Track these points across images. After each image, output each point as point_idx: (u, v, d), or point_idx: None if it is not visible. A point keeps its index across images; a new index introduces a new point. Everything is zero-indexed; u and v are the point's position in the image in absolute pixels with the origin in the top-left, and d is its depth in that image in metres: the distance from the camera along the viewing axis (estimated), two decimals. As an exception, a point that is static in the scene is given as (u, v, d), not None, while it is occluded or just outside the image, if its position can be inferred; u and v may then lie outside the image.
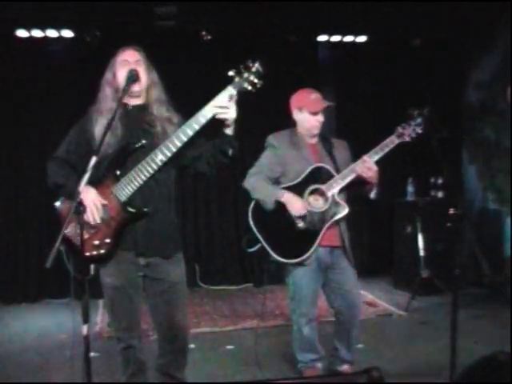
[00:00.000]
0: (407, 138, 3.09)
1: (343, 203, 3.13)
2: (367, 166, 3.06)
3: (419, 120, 3.07)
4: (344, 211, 3.12)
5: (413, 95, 5.71)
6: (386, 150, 3.10)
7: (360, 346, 3.88)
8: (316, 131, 3.24)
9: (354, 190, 3.22)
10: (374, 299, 5.26)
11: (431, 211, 5.33)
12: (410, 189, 5.59)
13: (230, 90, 2.45)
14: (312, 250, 3.09)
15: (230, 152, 2.57)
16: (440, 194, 5.61)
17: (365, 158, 3.09)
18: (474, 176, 6.04)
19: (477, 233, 5.49)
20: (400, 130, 3.09)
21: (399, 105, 5.80)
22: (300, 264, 3.12)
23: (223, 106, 2.45)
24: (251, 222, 3.13)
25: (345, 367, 3.32)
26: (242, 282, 5.96)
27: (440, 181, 5.58)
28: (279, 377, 3.40)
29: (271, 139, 3.27)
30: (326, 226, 3.11)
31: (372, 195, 3.23)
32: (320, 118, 3.21)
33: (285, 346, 3.82)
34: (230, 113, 2.47)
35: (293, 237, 3.11)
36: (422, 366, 3.56)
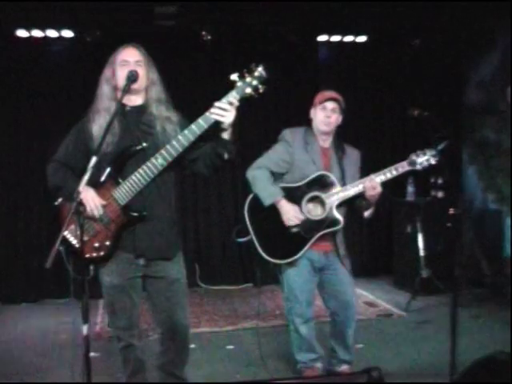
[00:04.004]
0: (419, 167, 3.05)
1: (339, 217, 3.11)
2: (373, 185, 3.04)
3: (434, 152, 3.03)
4: (339, 225, 3.11)
5: (413, 95, 5.72)
6: (395, 173, 3.08)
7: (360, 345, 3.89)
8: (324, 127, 3.19)
9: (351, 205, 3.20)
10: (374, 299, 5.26)
11: (431, 211, 5.32)
12: (410, 189, 5.59)
13: (233, 95, 2.44)
14: (299, 255, 3.09)
15: (226, 156, 2.55)
16: (440, 194, 5.60)
17: (372, 176, 3.07)
18: (473, 176, 6.04)
19: (477, 233, 5.49)
20: (413, 157, 3.06)
21: (399, 105, 5.83)
22: (291, 264, 3.13)
23: (222, 107, 2.44)
24: (246, 214, 3.13)
25: (344, 367, 3.31)
26: (242, 282, 5.96)
27: (440, 181, 5.58)
28: (279, 377, 3.39)
29: (286, 134, 3.24)
30: (318, 235, 3.11)
31: (366, 214, 3.21)
32: (328, 114, 3.16)
33: (285, 346, 3.82)
34: (228, 116, 2.45)
35: (283, 238, 3.11)
36: (422, 365, 3.56)
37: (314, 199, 3.13)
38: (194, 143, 2.53)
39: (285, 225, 3.10)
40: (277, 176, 3.20)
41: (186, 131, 2.49)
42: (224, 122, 2.47)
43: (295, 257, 3.10)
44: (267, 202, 3.08)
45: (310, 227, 3.10)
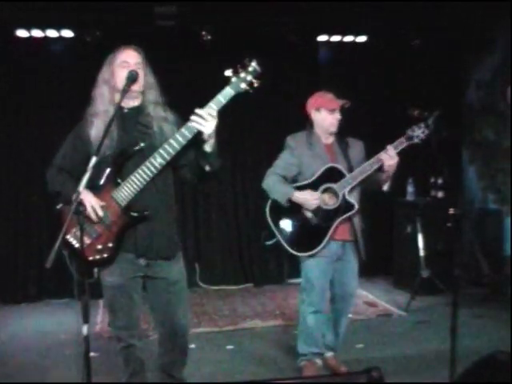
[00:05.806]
0: (416, 140, 3.19)
1: (353, 201, 3.27)
2: (390, 154, 3.17)
3: (427, 124, 3.16)
4: (353, 209, 3.28)
5: (413, 95, 5.71)
6: (395, 151, 3.20)
7: (360, 345, 3.89)
8: (333, 129, 3.35)
9: (370, 184, 3.31)
10: (374, 299, 5.26)
11: (431, 211, 5.32)
12: (410, 189, 5.59)
13: (228, 91, 2.44)
14: (323, 244, 3.24)
15: (207, 168, 2.52)
16: (440, 194, 5.61)
17: (388, 147, 3.20)
18: (474, 176, 6.04)
19: (477, 233, 5.48)
20: (409, 132, 3.20)
21: (399, 105, 5.81)
22: (313, 256, 3.27)
23: (202, 115, 2.40)
24: (269, 219, 3.31)
25: (329, 354, 3.50)
26: (242, 282, 5.95)
27: (440, 181, 5.58)
28: (279, 376, 3.40)
29: (289, 140, 3.41)
30: (336, 222, 3.26)
31: (385, 187, 3.33)
32: (337, 115, 3.33)
33: (285, 345, 3.83)
34: (207, 127, 2.41)
35: (306, 232, 3.28)
36: (422, 365, 3.56)
37: (326, 191, 3.27)
38: (185, 148, 2.50)
39: (305, 221, 3.26)
40: (290, 180, 3.35)
41: (183, 129, 2.47)
42: (203, 132, 2.43)
43: (320, 246, 3.24)
44: (283, 200, 3.25)
45: (327, 217, 3.25)
